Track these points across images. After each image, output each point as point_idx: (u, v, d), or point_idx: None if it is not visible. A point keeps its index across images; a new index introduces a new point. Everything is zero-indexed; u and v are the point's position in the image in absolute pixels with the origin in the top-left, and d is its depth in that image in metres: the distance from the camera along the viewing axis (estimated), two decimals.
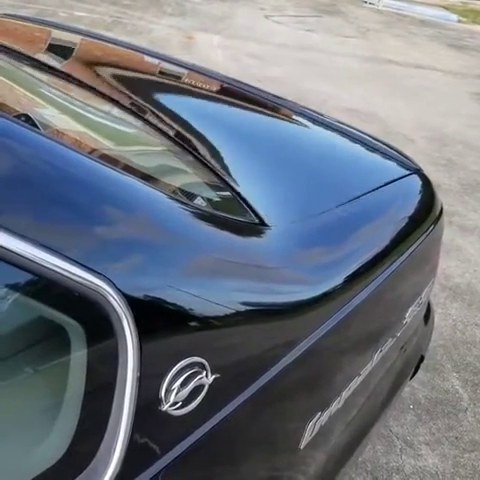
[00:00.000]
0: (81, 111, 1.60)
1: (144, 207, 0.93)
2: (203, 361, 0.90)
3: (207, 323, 0.93)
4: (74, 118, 1.49)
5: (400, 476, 2.21)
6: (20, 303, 0.77)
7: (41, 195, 0.77)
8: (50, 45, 2.14)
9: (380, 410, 1.68)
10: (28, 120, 1.02)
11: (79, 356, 0.79)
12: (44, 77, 1.75)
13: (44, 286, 0.75)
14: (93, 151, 1.21)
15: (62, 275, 0.74)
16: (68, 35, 2.23)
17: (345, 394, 1.33)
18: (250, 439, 1.09)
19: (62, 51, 2.10)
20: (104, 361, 0.81)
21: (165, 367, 0.86)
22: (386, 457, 2.27)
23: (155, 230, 0.91)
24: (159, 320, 0.86)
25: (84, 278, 0.75)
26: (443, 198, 1.83)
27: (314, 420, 1.22)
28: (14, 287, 0.76)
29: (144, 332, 0.82)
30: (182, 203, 1.06)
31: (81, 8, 9.43)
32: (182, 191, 1.25)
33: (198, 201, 1.21)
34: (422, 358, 2.00)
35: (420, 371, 2.09)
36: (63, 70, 1.86)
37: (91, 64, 2.07)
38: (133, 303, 0.80)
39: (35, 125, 1.03)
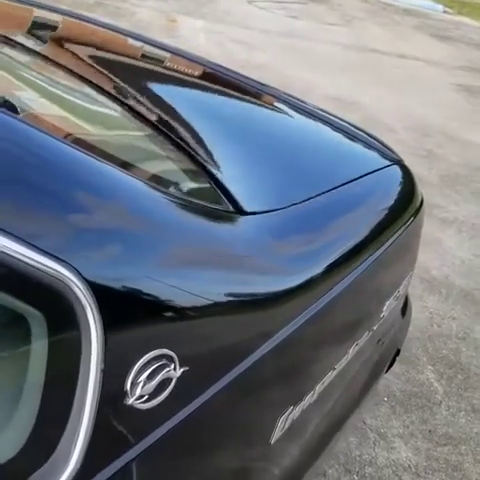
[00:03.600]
0: (59, 94, 1.56)
1: (118, 194, 0.89)
2: (172, 353, 0.87)
3: (177, 314, 0.90)
4: (52, 101, 1.44)
5: (373, 469, 2.20)
6: None
7: (6, 178, 0.73)
8: (30, 26, 2.08)
9: (355, 404, 1.66)
10: (5, 103, 0.98)
11: (39, 346, 0.75)
12: (23, 59, 1.70)
13: (4, 274, 0.71)
14: (68, 135, 1.17)
15: (23, 262, 0.70)
16: (49, 15, 2.17)
17: (319, 388, 1.30)
18: (219, 432, 1.06)
19: (42, 32, 2.05)
20: (66, 352, 0.77)
21: (131, 359, 0.83)
22: (359, 449, 2.26)
23: (129, 218, 0.88)
24: (126, 311, 0.82)
25: (46, 265, 0.72)
26: (423, 190, 1.81)
27: (286, 415, 1.19)
28: None
29: (110, 323, 0.78)
30: (158, 191, 1.02)
31: None
32: (159, 178, 1.21)
33: (174, 188, 1.17)
34: (398, 351, 1.98)
35: (395, 363, 2.08)
36: (42, 52, 1.81)
37: (72, 46, 2.02)
38: (100, 293, 0.77)
39: (13, 107, 0.99)
